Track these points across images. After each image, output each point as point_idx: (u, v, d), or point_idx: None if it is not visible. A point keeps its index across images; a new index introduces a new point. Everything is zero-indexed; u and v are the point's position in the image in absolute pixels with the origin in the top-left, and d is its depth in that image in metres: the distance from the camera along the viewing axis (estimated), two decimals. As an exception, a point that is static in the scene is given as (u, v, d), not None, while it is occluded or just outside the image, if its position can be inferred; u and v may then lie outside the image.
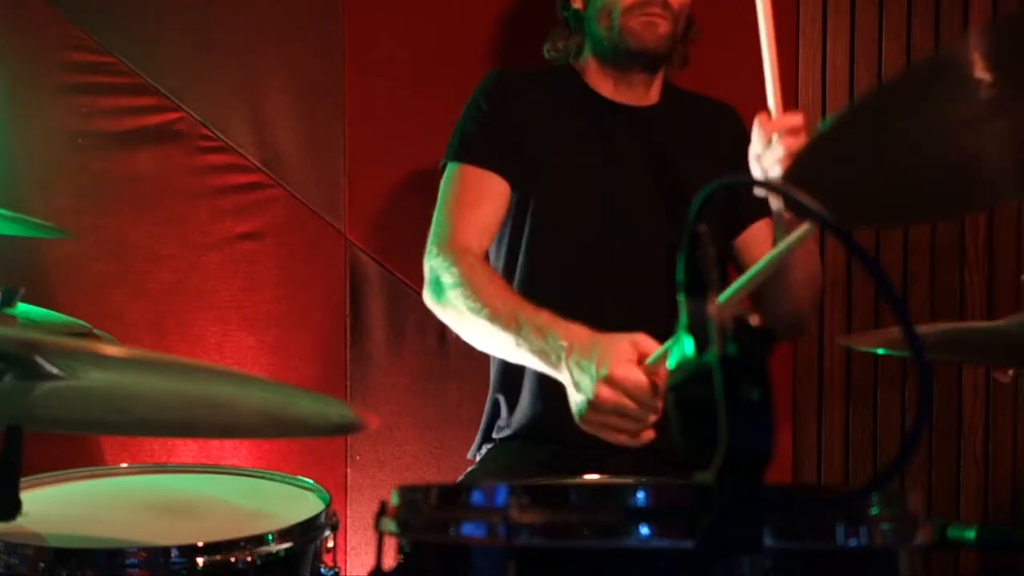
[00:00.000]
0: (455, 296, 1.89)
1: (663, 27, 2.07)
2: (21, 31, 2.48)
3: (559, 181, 2.11)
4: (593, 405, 1.59)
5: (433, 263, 1.96)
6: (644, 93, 2.18)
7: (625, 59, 2.12)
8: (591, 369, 1.60)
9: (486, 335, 1.86)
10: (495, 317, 1.81)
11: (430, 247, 2.00)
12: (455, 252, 1.94)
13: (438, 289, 1.93)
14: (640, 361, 1.59)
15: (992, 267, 2.56)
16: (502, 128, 2.09)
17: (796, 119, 1.81)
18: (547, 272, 2.11)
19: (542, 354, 1.73)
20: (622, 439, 1.62)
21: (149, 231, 2.50)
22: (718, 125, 2.22)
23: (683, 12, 2.11)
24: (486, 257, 2.09)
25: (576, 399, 1.65)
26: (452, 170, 2.08)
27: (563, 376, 1.69)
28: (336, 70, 2.53)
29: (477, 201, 2.03)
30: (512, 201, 2.09)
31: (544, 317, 1.76)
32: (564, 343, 1.68)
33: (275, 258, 2.53)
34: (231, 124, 2.51)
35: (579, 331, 1.70)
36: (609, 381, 1.57)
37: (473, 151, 2.06)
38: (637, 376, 1.56)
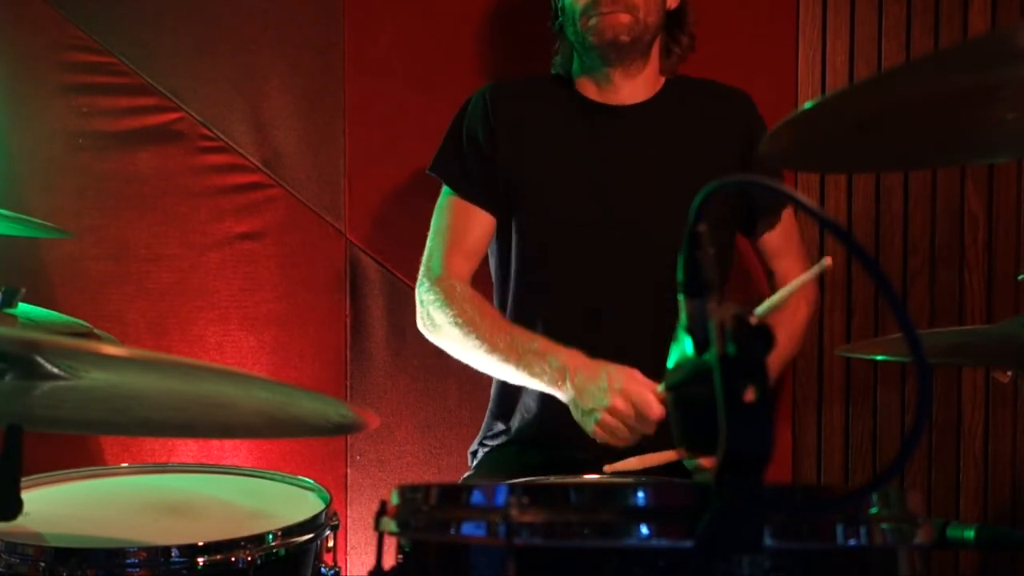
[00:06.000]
0: (453, 335, 2.05)
1: (622, 17, 2.07)
2: (21, 31, 2.48)
3: (549, 187, 2.12)
4: (610, 412, 1.80)
5: (425, 297, 2.12)
6: (631, 91, 2.17)
7: (595, 56, 2.12)
8: (604, 384, 1.81)
9: (486, 363, 2.02)
10: (494, 350, 1.99)
11: (422, 278, 2.14)
12: (445, 288, 2.09)
13: (432, 323, 2.10)
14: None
15: (992, 268, 2.55)
16: (486, 156, 2.14)
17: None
18: (541, 278, 2.13)
19: (543, 376, 1.91)
20: (621, 444, 1.82)
21: (149, 231, 2.50)
22: (726, 111, 2.20)
23: (647, 1, 2.09)
24: (489, 268, 2.24)
25: (584, 410, 1.84)
26: (444, 198, 2.19)
27: (565, 393, 1.88)
28: (336, 70, 2.53)
29: (464, 231, 2.15)
30: (503, 217, 2.16)
31: (540, 342, 1.95)
32: (565, 363, 1.88)
33: (275, 258, 2.53)
34: (231, 124, 2.51)
35: (576, 354, 1.90)
36: (624, 393, 1.79)
37: (460, 182, 2.16)
38: (647, 394, 1.79)
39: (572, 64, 2.22)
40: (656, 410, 1.76)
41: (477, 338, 2.00)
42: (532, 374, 1.93)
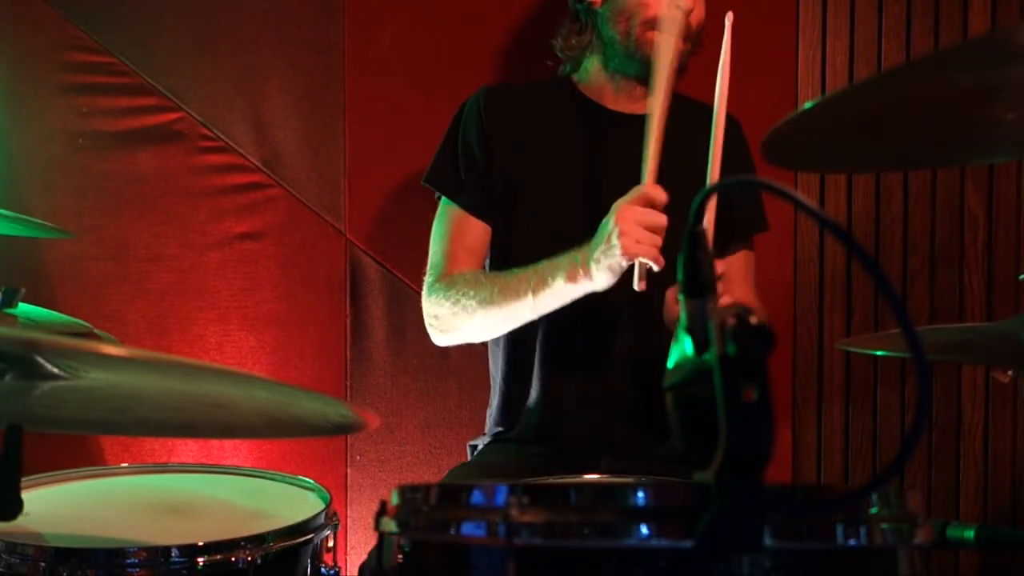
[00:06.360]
0: (460, 311, 2.01)
1: (680, 45, 2.05)
2: (21, 31, 2.48)
3: (548, 190, 2.11)
4: (620, 220, 1.81)
5: (429, 307, 2.09)
6: (643, 103, 2.16)
7: (636, 68, 2.09)
8: (604, 224, 1.83)
9: (506, 313, 1.98)
10: (506, 290, 1.96)
11: (426, 290, 2.11)
12: (448, 279, 2.06)
13: (442, 324, 2.07)
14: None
15: (992, 267, 2.56)
16: (481, 163, 2.11)
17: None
18: None
19: (561, 275, 1.90)
20: (653, 253, 1.80)
21: (149, 231, 2.50)
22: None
23: (699, 32, 2.11)
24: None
25: (603, 249, 1.83)
26: (442, 209, 2.16)
27: (584, 270, 1.87)
28: (336, 70, 2.53)
29: (464, 234, 2.13)
30: (501, 222, 2.13)
31: (541, 263, 1.93)
32: (571, 254, 1.88)
33: (275, 258, 2.53)
34: (231, 124, 2.51)
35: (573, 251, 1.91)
36: (619, 209, 1.82)
37: (456, 193, 2.13)
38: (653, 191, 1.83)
39: (585, 58, 2.17)
40: (661, 197, 1.83)
41: (484, 292, 1.98)
42: (549, 284, 1.91)
